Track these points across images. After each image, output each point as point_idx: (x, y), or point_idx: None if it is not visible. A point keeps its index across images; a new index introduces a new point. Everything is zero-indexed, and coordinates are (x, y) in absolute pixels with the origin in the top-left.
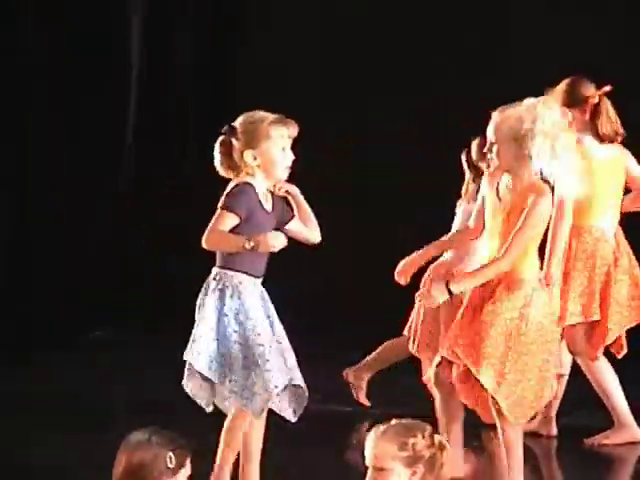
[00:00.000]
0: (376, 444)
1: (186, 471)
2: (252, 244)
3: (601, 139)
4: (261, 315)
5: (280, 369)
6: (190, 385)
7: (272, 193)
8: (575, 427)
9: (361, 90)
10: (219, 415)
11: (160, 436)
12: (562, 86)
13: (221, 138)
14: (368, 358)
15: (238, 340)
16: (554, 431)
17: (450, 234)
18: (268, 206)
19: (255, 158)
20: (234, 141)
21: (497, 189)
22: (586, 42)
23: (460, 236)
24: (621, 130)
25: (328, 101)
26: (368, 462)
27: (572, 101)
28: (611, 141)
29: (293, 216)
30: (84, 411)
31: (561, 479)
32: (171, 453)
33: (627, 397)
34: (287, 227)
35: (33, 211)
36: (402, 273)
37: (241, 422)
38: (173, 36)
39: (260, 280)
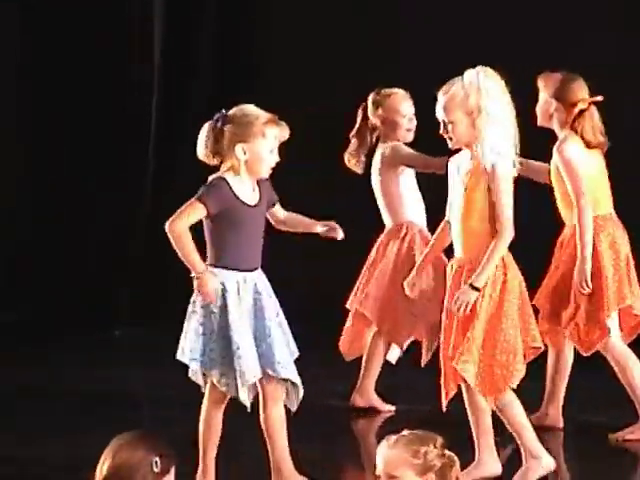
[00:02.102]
0: (388, 452)
1: (170, 478)
2: (194, 275)
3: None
4: (237, 313)
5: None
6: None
7: (259, 183)
8: (597, 424)
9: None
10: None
11: (147, 440)
12: (557, 76)
13: (211, 123)
14: (361, 377)
15: (219, 334)
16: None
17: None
18: (253, 199)
19: (245, 153)
20: (226, 130)
21: (458, 169)
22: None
23: (443, 233)
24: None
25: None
26: (379, 470)
27: (562, 95)
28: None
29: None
30: (85, 411)
31: (586, 475)
32: (157, 458)
33: None
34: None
35: (33, 211)
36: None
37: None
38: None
39: (254, 272)
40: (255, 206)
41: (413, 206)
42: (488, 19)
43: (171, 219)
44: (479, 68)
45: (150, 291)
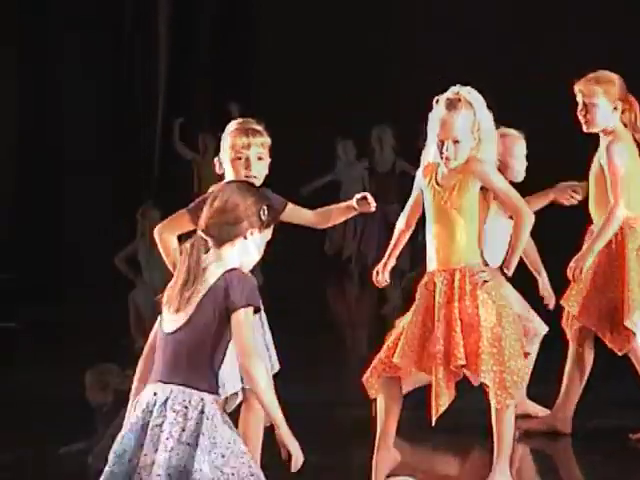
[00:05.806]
0: None
1: (268, 234)
2: None
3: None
4: None
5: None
6: None
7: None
8: (608, 428)
9: (366, 85)
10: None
11: (257, 190)
12: (614, 77)
13: None
14: None
15: None
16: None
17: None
18: None
19: (221, 165)
20: None
21: (435, 178)
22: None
23: (401, 237)
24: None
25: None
26: None
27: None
28: None
29: (286, 204)
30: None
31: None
32: (265, 207)
33: None
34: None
35: (31, 212)
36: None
37: None
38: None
39: None
40: None
41: None
42: (499, 31)
43: (160, 225)
44: (466, 88)
45: None
